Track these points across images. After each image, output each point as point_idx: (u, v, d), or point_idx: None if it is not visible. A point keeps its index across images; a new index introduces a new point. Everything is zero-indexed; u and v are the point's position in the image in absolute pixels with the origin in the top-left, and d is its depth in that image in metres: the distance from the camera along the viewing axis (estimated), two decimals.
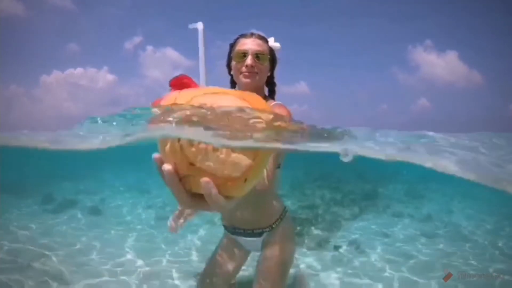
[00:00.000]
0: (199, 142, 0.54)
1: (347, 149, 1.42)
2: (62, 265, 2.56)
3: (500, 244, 3.26)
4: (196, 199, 0.57)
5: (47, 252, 2.76)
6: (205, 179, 0.52)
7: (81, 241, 3.12)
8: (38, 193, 4.87)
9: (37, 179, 6.06)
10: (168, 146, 0.55)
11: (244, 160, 0.55)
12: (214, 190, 0.53)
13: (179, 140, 0.54)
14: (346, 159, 1.41)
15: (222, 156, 0.53)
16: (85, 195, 5.07)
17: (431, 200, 5.52)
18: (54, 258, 2.67)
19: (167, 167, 0.54)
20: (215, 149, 0.53)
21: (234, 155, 0.54)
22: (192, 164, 0.53)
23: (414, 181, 6.87)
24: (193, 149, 0.53)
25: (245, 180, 0.56)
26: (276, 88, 1.56)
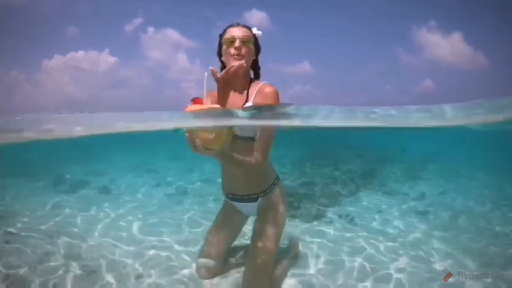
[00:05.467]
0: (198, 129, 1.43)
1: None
2: (82, 238, 2.79)
3: (489, 226, 3.42)
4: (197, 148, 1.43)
5: (64, 230, 2.98)
6: (196, 139, 1.42)
7: (96, 218, 3.35)
8: (48, 175, 5.05)
9: (45, 163, 6.26)
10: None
11: (212, 134, 1.41)
12: (198, 143, 1.40)
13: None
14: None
15: (205, 134, 1.41)
16: (94, 176, 5.27)
17: (427, 180, 5.69)
18: (70, 235, 2.91)
19: (186, 133, 1.43)
20: (203, 131, 1.42)
21: (209, 134, 1.41)
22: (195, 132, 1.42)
23: (412, 162, 7.05)
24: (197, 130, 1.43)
25: (212, 143, 1.43)
26: (261, 71, 1.79)
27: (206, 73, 1.43)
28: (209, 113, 1.49)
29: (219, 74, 1.51)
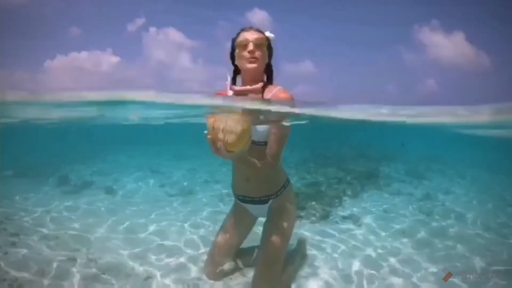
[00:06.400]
0: (219, 128, 1.39)
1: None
2: (87, 239, 2.79)
3: (491, 226, 3.39)
4: (219, 151, 1.42)
5: (68, 229, 2.99)
6: (218, 142, 1.42)
7: (101, 218, 3.34)
8: (52, 176, 5.06)
9: (50, 163, 6.26)
10: (210, 126, 1.42)
11: (234, 137, 1.38)
12: (220, 145, 1.39)
13: (213, 127, 1.41)
14: None
15: (228, 137, 1.39)
16: (99, 176, 5.27)
17: (431, 180, 5.67)
18: (75, 234, 2.91)
19: (208, 136, 1.41)
20: (226, 134, 1.38)
21: (230, 135, 1.38)
22: (218, 136, 1.40)
23: (416, 162, 7.03)
24: (216, 130, 1.41)
25: (234, 146, 1.42)
26: (274, 75, 1.78)
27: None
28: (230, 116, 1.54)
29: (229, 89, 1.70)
